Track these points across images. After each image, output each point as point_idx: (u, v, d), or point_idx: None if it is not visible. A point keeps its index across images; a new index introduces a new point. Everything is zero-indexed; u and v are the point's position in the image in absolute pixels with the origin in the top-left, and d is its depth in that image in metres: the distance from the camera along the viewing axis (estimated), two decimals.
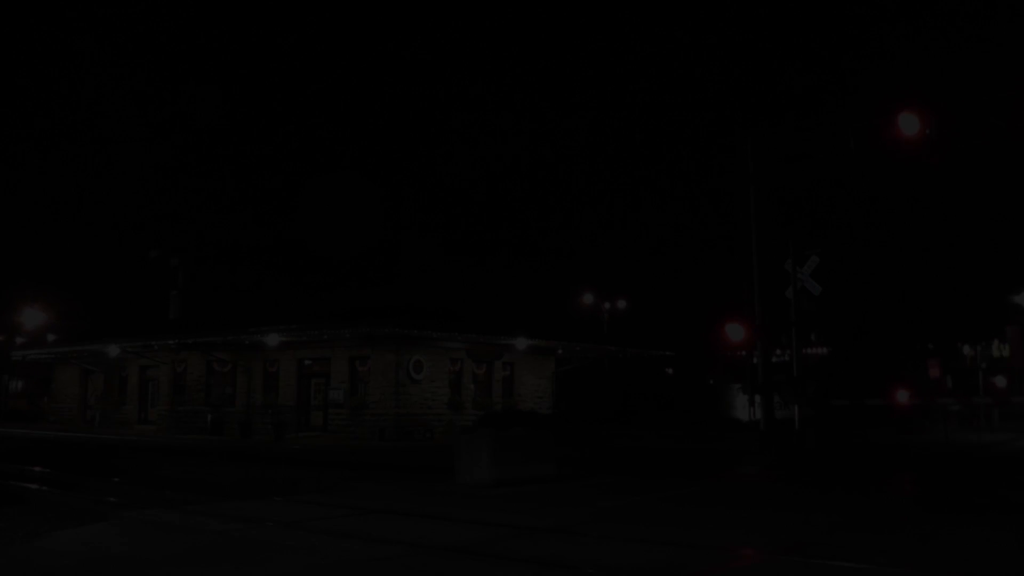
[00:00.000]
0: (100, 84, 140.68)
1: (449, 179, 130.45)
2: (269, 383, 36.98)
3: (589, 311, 53.62)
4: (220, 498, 13.56)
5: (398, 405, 32.01)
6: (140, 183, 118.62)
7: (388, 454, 23.43)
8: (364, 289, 35.44)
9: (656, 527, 9.75)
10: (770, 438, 21.08)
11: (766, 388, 21.88)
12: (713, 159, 22.72)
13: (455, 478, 14.94)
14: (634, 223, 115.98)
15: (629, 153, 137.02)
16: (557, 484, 14.79)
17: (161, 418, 38.52)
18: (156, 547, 8.59)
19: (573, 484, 15.00)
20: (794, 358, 25.52)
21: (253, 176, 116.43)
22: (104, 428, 41.44)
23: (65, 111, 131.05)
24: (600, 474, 16.97)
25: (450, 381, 34.41)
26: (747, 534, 9.39)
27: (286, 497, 13.33)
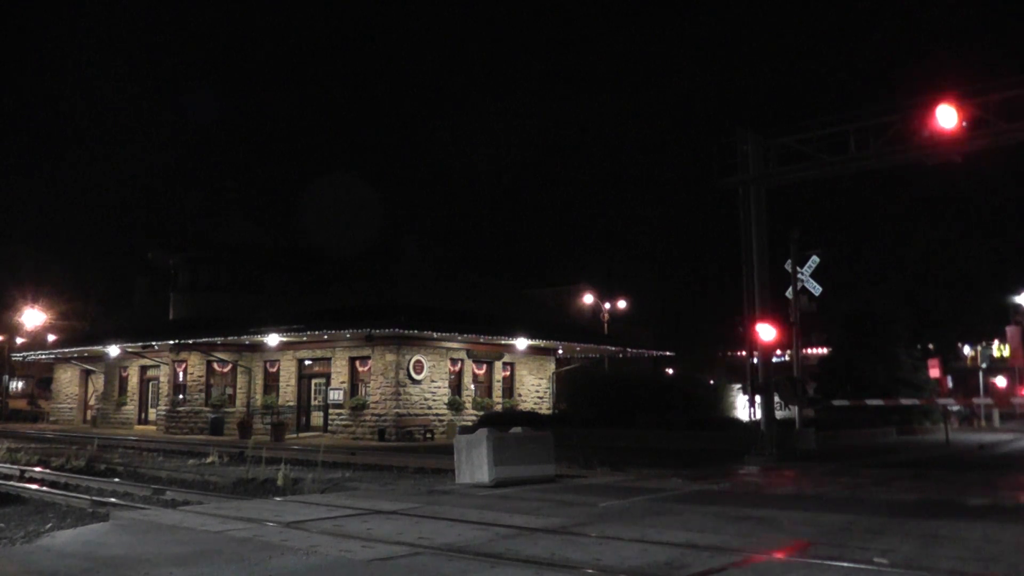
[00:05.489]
0: (100, 86, 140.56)
1: (450, 179, 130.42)
2: (269, 383, 37.03)
3: (589, 311, 53.72)
4: (220, 498, 13.57)
5: (398, 405, 32.04)
6: (140, 183, 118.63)
7: (388, 454, 23.42)
8: (364, 289, 35.45)
9: (656, 527, 9.75)
10: (770, 438, 21.07)
11: (766, 388, 21.87)
12: (713, 159, 22.72)
13: (455, 478, 14.96)
14: (634, 223, 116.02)
15: (629, 153, 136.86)
16: (557, 484, 14.80)
17: (161, 418, 38.55)
18: (156, 547, 8.58)
19: (573, 484, 15.01)
20: (794, 358, 25.53)
21: (253, 176, 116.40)
22: (104, 428, 41.47)
23: (66, 113, 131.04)
24: (600, 474, 16.97)
25: (450, 381, 34.44)
26: (747, 534, 9.39)
27: (286, 497, 13.33)
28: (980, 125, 18.61)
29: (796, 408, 23.42)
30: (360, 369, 33.85)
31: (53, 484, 15.88)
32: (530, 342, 35.88)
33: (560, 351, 40.16)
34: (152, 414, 41.32)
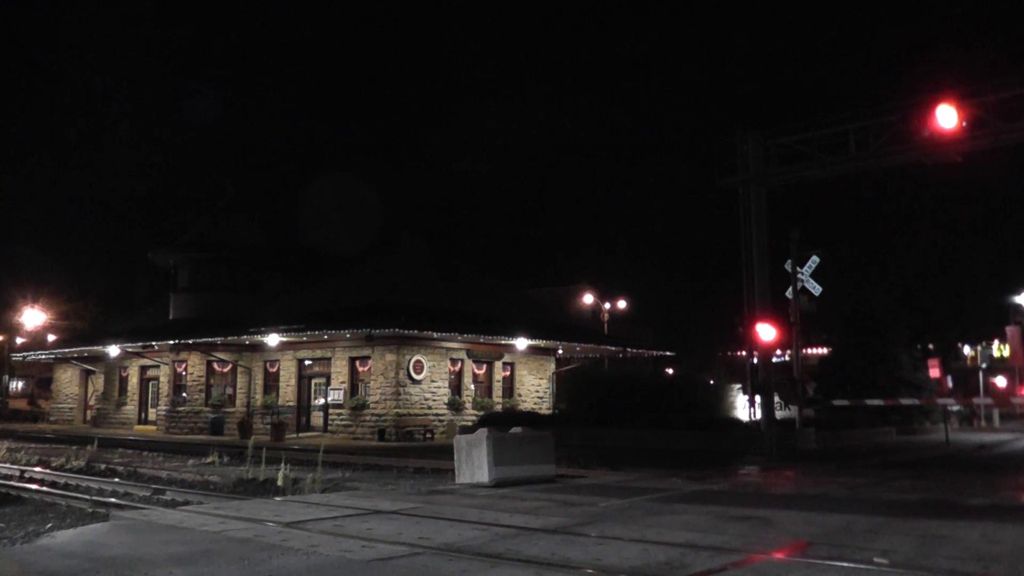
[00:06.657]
0: (101, 86, 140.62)
1: (450, 179, 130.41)
2: (269, 383, 37.03)
3: (589, 311, 53.71)
4: (220, 498, 13.56)
5: (398, 405, 32.03)
6: (140, 183, 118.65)
7: (388, 454, 23.43)
8: (364, 289, 35.46)
9: (656, 527, 9.75)
10: (770, 438, 21.08)
11: (766, 388, 21.88)
12: (713, 159, 22.75)
13: (455, 478, 14.97)
14: (634, 223, 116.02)
15: (629, 153, 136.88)
16: (557, 484, 14.81)
17: (161, 418, 38.55)
18: (156, 547, 8.58)
19: (573, 484, 15.02)
20: (794, 358, 25.54)
21: (253, 176, 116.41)
22: (104, 428, 41.48)
23: (66, 112, 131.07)
24: (600, 474, 16.97)
25: (450, 381, 34.43)
26: (747, 534, 9.39)
27: (286, 497, 13.33)
28: (980, 125, 18.62)
29: (796, 408, 23.45)
30: (360, 369, 33.85)
31: (53, 484, 15.87)
32: (530, 342, 35.88)
33: (560, 351, 40.15)
34: (152, 414, 41.32)
